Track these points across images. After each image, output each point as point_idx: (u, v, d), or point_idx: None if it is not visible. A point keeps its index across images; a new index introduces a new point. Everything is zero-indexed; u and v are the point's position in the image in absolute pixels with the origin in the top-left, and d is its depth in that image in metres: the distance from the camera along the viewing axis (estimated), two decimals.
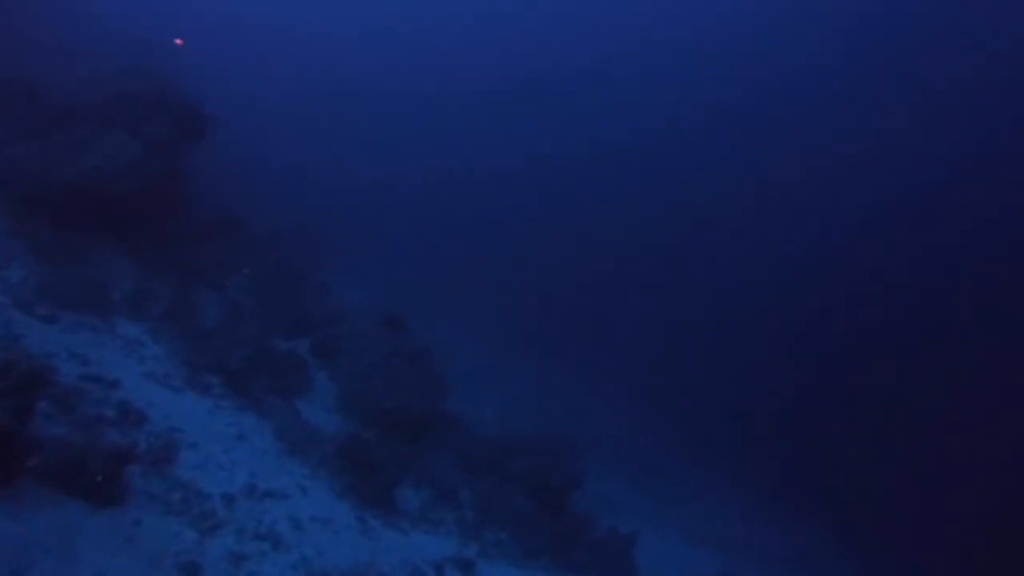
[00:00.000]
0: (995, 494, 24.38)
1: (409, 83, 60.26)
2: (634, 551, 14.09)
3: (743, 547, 18.05)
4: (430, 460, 12.94)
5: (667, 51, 64.10)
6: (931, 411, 29.72)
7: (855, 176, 51.22)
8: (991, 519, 22.72)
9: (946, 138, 50.62)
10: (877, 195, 49.57)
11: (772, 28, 60.48)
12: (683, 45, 63.85)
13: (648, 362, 31.63)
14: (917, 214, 47.74)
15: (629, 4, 65.84)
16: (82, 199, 13.07)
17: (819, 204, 49.77)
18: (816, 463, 24.93)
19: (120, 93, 15.63)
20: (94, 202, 13.23)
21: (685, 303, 39.56)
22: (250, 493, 8.90)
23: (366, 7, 65.85)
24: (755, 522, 20.48)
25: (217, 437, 9.72)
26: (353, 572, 8.62)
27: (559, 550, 12.57)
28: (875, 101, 53.84)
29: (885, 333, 37.28)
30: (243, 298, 14.86)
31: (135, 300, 12.11)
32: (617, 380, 28.61)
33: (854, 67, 56.45)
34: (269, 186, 29.10)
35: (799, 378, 32.37)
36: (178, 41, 16.50)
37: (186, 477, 8.49)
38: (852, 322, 38.85)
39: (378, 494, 10.48)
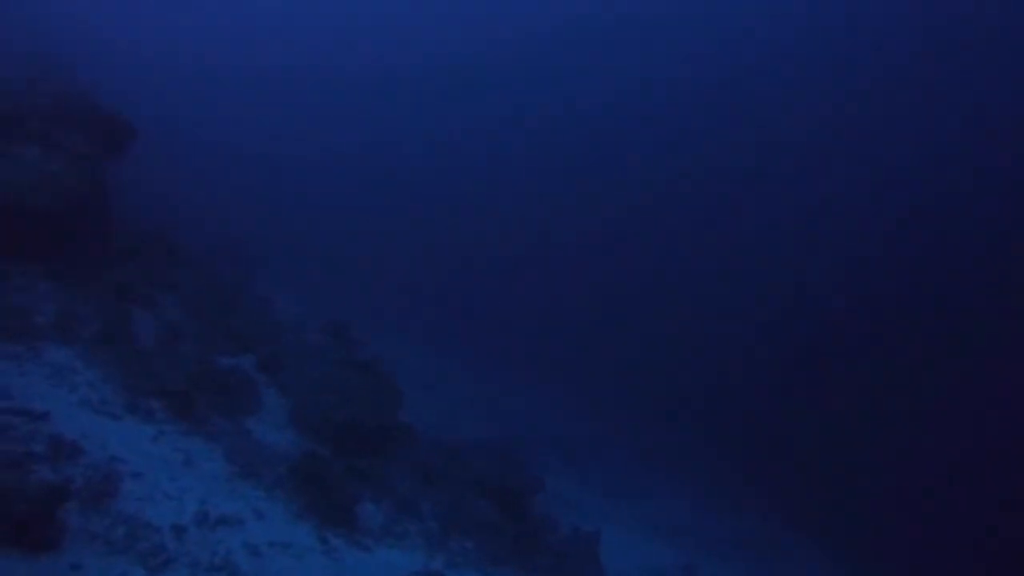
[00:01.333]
0: (956, 484, 24.63)
1: (339, 73, 57.76)
2: (598, 549, 14.06)
3: (706, 537, 18.27)
4: (388, 472, 12.56)
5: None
6: (892, 402, 29.59)
7: (817, 161, 46.85)
8: (954, 507, 23.12)
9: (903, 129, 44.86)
10: (838, 183, 45.31)
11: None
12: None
13: (590, 356, 31.78)
14: (887, 204, 43.11)
15: None
16: None
17: (771, 190, 46.98)
18: (774, 451, 25.30)
19: (33, 103, 14.60)
20: (7, 220, 12.29)
21: (632, 299, 39.55)
22: (202, 522, 8.37)
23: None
24: (715, 513, 20.77)
25: (163, 465, 9.12)
26: None
27: (525, 554, 12.41)
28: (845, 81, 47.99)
29: (845, 323, 36.25)
30: (180, 316, 14.10)
31: (62, 323, 11.27)
32: (560, 377, 28.62)
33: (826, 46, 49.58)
34: (198, 199, 28.07)
35: (752, 366, 32.63)
36: None
37: (130, 510, 7.90)
38: (809, 310, 37.77)
39: (338, 511, 10.05)
